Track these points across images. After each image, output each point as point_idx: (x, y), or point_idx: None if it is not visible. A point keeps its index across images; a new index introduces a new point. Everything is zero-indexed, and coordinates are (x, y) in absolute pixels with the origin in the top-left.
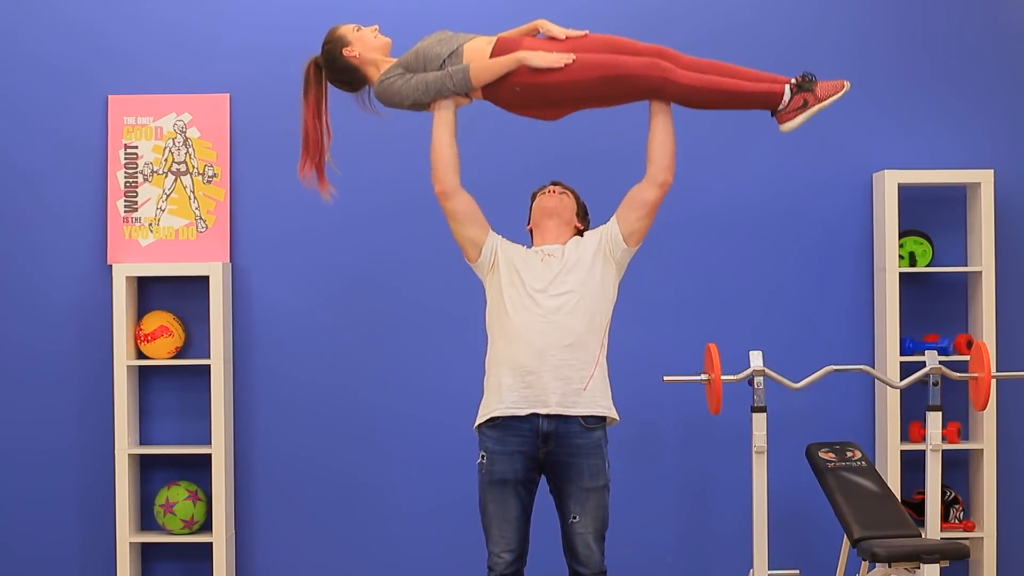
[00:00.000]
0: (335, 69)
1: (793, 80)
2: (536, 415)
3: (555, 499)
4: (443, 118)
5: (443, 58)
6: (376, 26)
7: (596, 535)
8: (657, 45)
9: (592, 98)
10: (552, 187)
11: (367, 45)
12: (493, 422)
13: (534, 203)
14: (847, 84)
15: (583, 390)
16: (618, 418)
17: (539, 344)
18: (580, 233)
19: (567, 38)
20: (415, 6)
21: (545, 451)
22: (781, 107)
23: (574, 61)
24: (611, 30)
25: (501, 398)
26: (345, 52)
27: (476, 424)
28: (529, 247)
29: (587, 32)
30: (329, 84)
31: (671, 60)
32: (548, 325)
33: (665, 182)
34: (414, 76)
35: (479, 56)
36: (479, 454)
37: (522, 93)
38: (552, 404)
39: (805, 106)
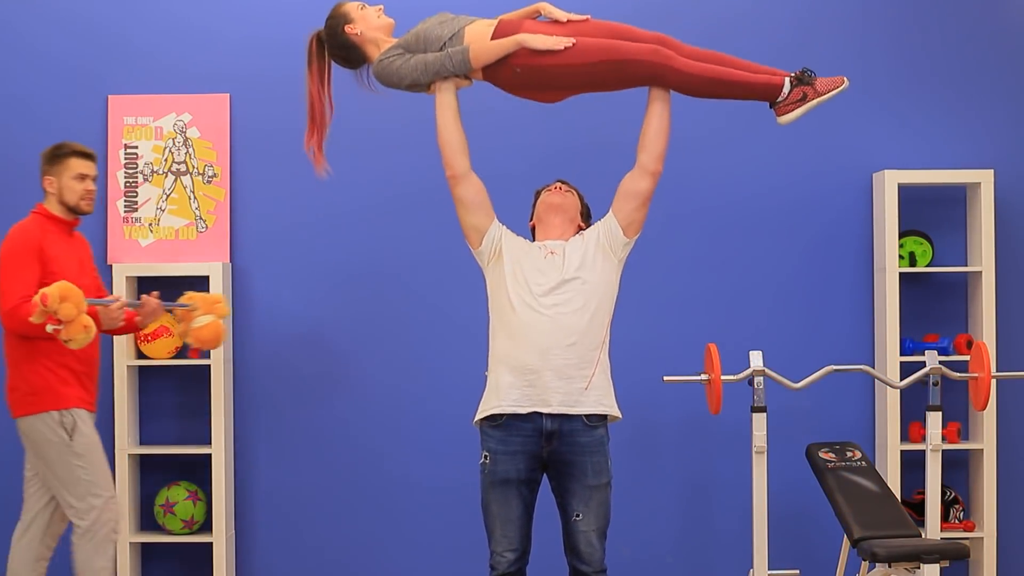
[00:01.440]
0: (335, 45)
1: (793, 73)
2: (538, 414)
3: (557, 497)
4: (444, 101)
5: (443, 40)
6: (381, 6)
7: (599, 533)
8: (658, 33)
9: (592, 82)
10: (557, 184)
11: (369, 24)
12: (495, 421)
13: (538, 200)
14: (846, 80)
15: (585, 389)
16: (620, 415)
17: (541, 343)
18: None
19: (568, 21)
20: (417, 6)
21: (548, 449)
22: (780, 99)
23: (575, 45)
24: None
25: (502, 396)
26: (347, 29)
27: (476, 419)
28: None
29: (589, 17)
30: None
31: (672, 48)
32: (551, 323)
33: (656, 171)
34: (413, 56)
35: (480, 38)
36: (482, 454)
37: (522, 75)
38: (554, 404)
39: (804, 99)
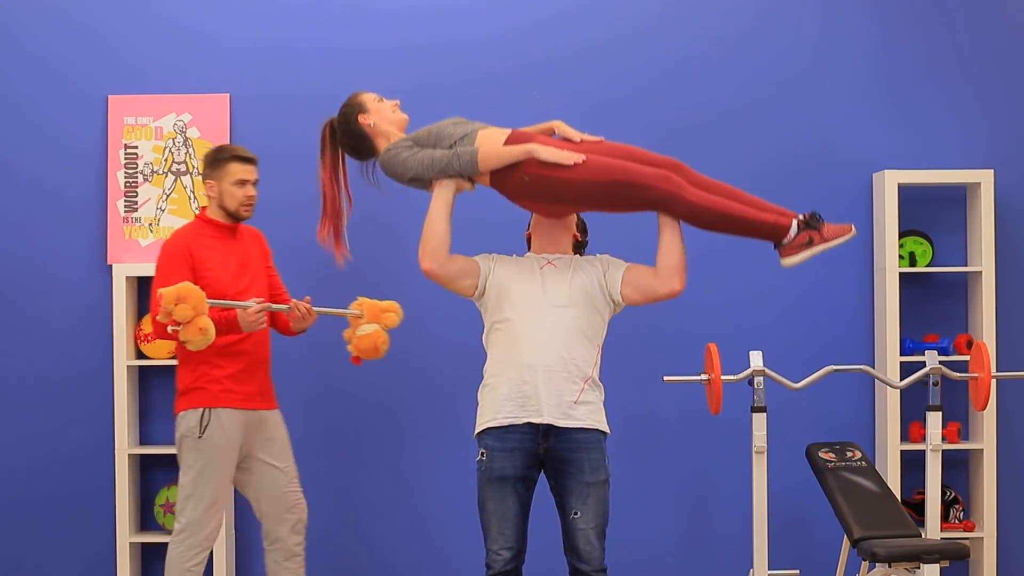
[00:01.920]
0: (347, 133)
1: (801, 216)
2: (531, 423)
3: (555, 496)
4: (443, 197)
5: (455, 139)
6: (397, 101)
7: (597, 531)
8: (672, 159)
9: (599, 201)
10: None
11: (384, 117)
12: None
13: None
14: (854, 229)
15: (574, 403)
16: (609, 432)
17: (534, 354)
18: (580, 245)
19: (582, 141)
20: (417, 5)
21: (545, 447)
22: (786, 241)
23: (586, 161)
24: (613, 31)
25: (497, 409)
26: (361, 119)
27: (475, 434)
28: (524, 254)
29: (603, 139)
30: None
31: (684, 175)
32: (544, 336)
33: (672, 291)
34: (422, 151)
35: (491, 142)
36: (478, 451)
37: (530, 184)
38: (545, 415)
39: (810, 243)
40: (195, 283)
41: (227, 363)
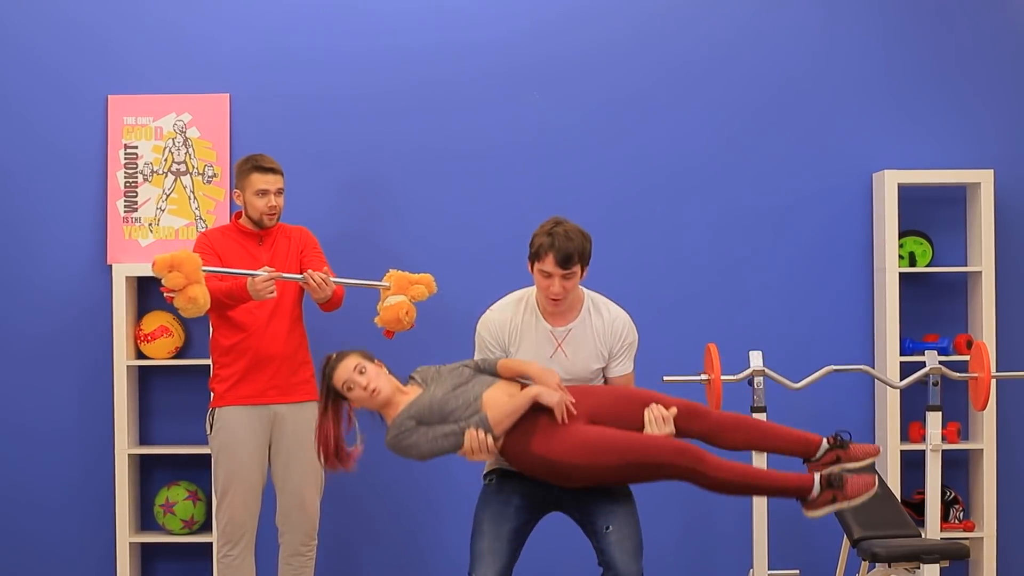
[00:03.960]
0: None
1: (824, 473)
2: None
3: (585, 528)
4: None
5: (458, 412)
6: (380, 366)
7: (635, 545)
8: (686, 400)
9: (614, 479)
10: (553, 271)
11: (373, 399)
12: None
13: (535, 264)
14: (876, 485)
15: None
16: None
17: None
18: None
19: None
20: (417, 5)
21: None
22: (810, 498)
23: (596, 445)
24: (614, 32)
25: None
26: (352, 406)
27: (484, 473)
28: (522, 302)
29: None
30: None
31: (700, 417)
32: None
33: None
34: (430, 429)
35: (495, 406)
36: (486, 476)
37: (542, 467)
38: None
39: (834, 501)
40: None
41: (232, 361)
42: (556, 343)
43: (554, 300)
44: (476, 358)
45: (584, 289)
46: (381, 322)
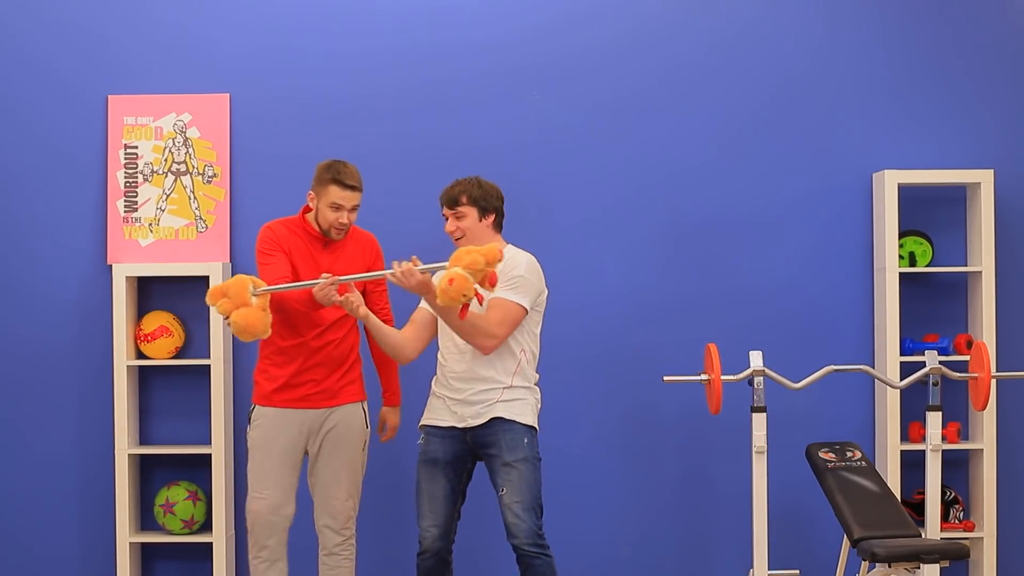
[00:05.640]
0: None
1: None
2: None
3: (491, 481)
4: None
5: None
6: None
7: (524, 506)
8: None
9: None
10: (445, 213)
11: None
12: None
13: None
14: None
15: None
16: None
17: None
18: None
19: None
20: (417, 5)
21: (471, 434)
22: None
23: None
24: (613, 32)
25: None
26: None
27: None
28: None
29: None
30: None
31: None
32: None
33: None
34: None
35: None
36: (420, 436)
37: None
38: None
39: None
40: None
41: (284, 363)
42: None
43: (455, 239)
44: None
45: (509, 244)
46: (439, 301)
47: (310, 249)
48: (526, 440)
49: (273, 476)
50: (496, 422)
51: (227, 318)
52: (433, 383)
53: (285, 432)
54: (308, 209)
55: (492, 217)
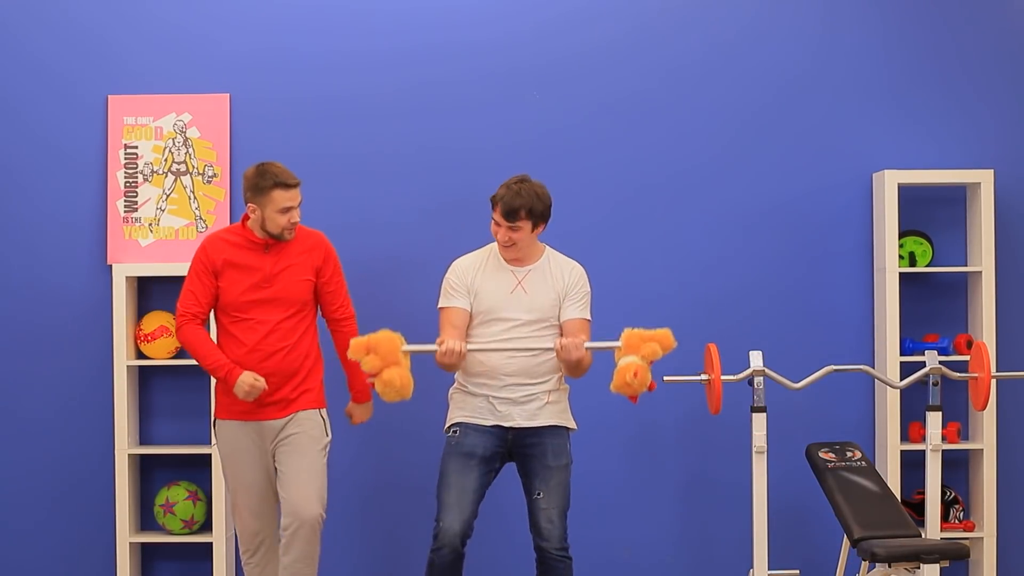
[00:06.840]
0: None
1: None
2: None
3: (522, 480)
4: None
5: None
6: None
7: (559, 511)
8: None
9: None
10: (500, 221)
11: None
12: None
13: (493, 216)
14: None
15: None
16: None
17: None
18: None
19: None
20: (417, 5)
21: (513, 433)
22: None
23: None
24: (613, 32)
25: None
26: None
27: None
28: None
29: None
30: None
31: None
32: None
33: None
34: None
35: None
36: (449, 428)
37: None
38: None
39: None
40: (216, 293)
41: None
42: (517, 280)
43: (504, 247)
44: (439, 304)
45: (547, 246)
46: (614, 388)
47: (249, 256)
48: (568, 445)
49: (245, 486)
50: (546, 426)
51: (374, 375)
52: (464, 381)
53: (247, 439)
54: (247, 219)
55: (542, 227)
